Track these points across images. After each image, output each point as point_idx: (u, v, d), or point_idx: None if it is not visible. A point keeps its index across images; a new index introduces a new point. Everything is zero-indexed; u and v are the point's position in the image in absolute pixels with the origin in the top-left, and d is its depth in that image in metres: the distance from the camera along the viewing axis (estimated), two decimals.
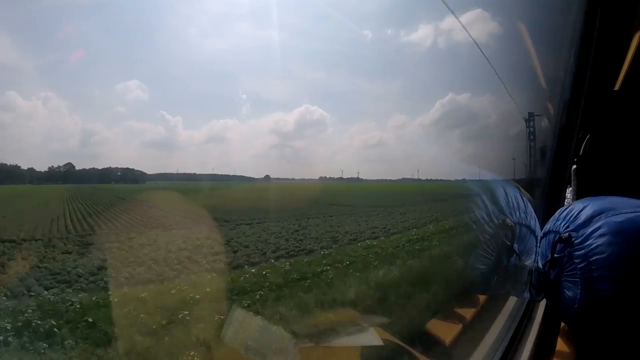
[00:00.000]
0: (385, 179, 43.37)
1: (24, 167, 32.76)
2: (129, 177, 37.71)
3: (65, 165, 35.77)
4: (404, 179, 41.09)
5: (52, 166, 35.75)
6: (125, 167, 39.00)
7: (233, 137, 48.41)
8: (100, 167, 37.76)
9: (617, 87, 2.08)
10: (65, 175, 34.90)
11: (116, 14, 41.86)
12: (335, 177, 44.26)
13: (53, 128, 37.67)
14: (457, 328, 1.79)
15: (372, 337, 1.59)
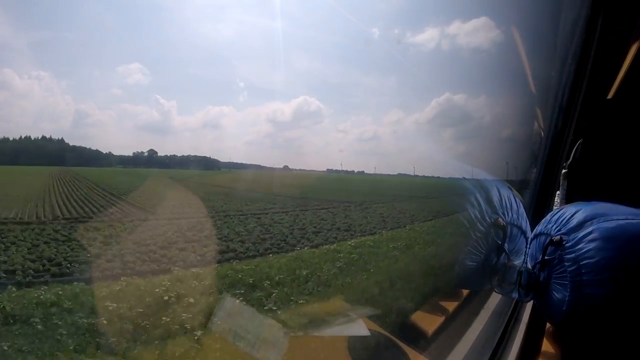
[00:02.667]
0: (385, 174, 44.36)
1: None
2: (204, 164, 39.64)
3: (149, 151, 36.80)
4: (400, 174, 41.90)
5: (137, 151, 36.67)
6: (203, 155, 41.30)
7: (228, 124, 48.10)
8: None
9: (610, 96, 2.12)
10: (148, 160, 35.67)
11: None
12: (339, 169, 45.08)
13: (45, 107, 36.71)
14: (446, 325, 1.81)
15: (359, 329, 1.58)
